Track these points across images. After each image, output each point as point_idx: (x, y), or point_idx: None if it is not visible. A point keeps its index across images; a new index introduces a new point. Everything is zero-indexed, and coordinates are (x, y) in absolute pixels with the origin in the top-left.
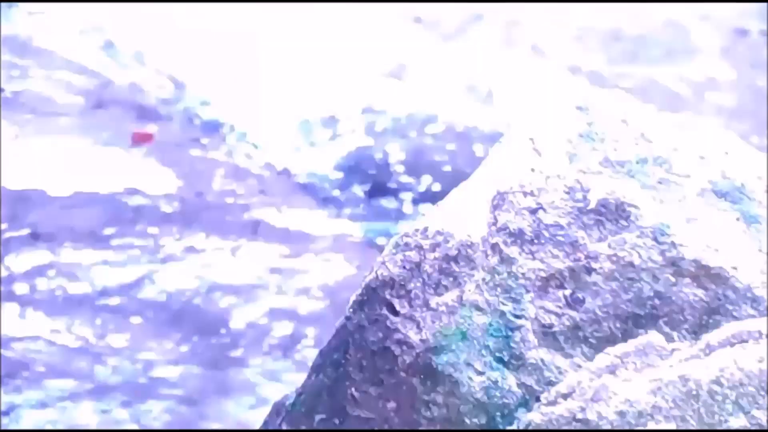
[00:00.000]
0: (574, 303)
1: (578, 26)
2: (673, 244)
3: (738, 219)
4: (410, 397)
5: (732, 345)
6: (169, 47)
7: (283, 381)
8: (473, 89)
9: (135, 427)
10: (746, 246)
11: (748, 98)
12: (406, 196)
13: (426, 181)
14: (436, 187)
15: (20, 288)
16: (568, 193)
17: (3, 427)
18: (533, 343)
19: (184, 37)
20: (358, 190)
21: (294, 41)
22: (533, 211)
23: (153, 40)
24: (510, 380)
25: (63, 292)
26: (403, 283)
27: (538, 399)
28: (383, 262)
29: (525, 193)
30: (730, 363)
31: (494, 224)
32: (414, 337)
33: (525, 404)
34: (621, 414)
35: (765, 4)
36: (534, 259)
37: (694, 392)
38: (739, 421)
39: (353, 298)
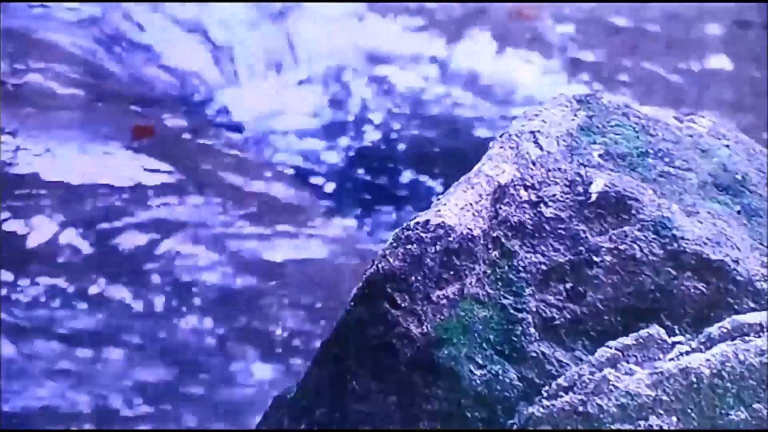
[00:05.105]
0: (575, 296)
1: (578, 19)
2: (674, 238)
3: (739, 212)
4: (411, 391)
5: (733, 338)
6: (170, 40)
7: (283, 376)
8: (474, 83)
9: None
10: (747, 239)
11: (749, 91)
12: (408, 190)
13: (427, 175)
14: (438, 181)
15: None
16: (569, 186)
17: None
18: (534, 336)
19: (184, 30)
20: (361, 182)
21: (295, 36)
22: (534, 205)
23: (154, 32)
24: (511, 374)
25: (62, 287)
26: (404, 276)
27: (539, 392)
28: (384, 256)
29: (526, 187)
30: (731, 356)
31: (495, 217)
32: (415, 330)
33: (526, 397)
34: (622, 407)
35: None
36: (535, 252)
37: (695, 385)
38: (740, 415)
39: (354, 291)
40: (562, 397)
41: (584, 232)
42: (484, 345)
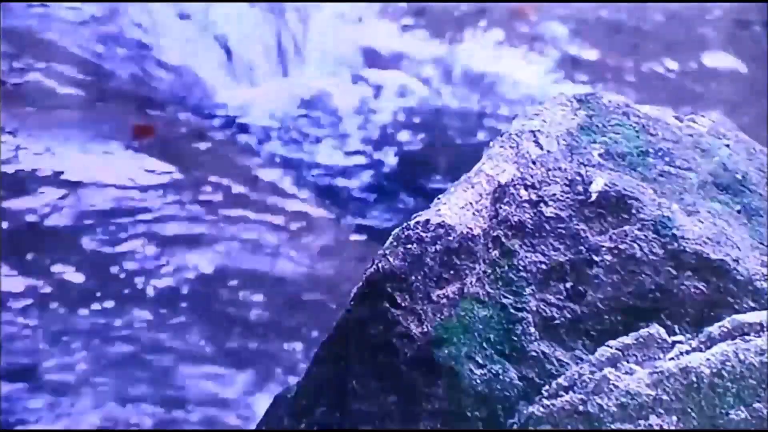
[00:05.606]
0: (575, 296)
1: (579, 19)
2: (674, 237)
3: (739, 212)
4: (411, 390)
5: (733, 338)
6: (171, 39)
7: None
8: (475, 82)
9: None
10: (747, 239)
11: (749, 91)
12: (408, 189)
13: (427, 174)
14: (438, 180)
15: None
16: (569, 185)
17: (2, 427)
18: (534, 335)
19: (185, 29)
20: (361, 182)
21: (297, 36)
22: (534, 204)
23: (154, 32)
24: (511, 373)
25: (63, 286)
26: (404, 275)
27: (539, 392)
28: (384, 255)
29: (526, 186)
30: (732, 356)
31: (495, 217)
32: (415, 329)
33: (526, 397)
34: (622, 407)
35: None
36: (535, 251)
37: (696, 385)
38: (740, 414)
39: (354, 291)
40: (562, 396)
41: (584, 231)
42: (485, 344)
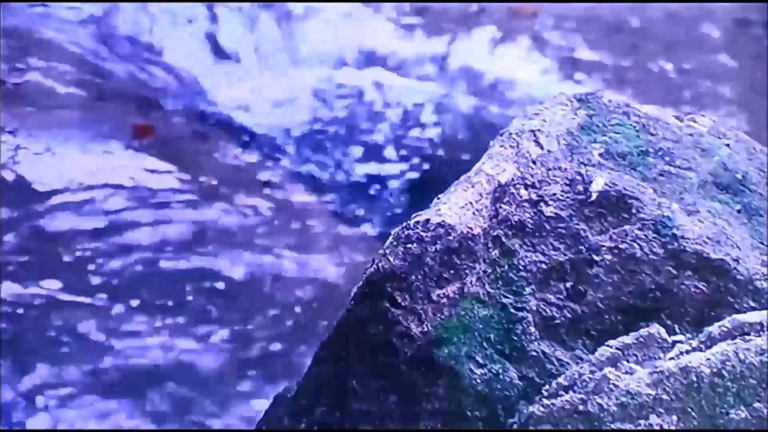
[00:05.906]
0: (575, 295)
1: (579, 18)
2: (674, 237)
3: (739, 211)
4: (411, 390)
5: (733, 337)
6: (171, 39)
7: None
8: (474, 82)
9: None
10: (747, 238)
11: (749, 90)
12: (408, 188)
13: (427, 174)
14: (438, 180)
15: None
16: (569, 185)
17: (3, 427)
18: (534, 335)
19: (185, 29)
20: (360, 181)
21: (296, 36)
22: (534, 204)
23: (155, 31)
24: (511, 372)
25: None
26: (404, 275)
27: (539, 391)
28: (384, 255)
29: (526, 186)
30: (732, 355)
31: (495, 216)
32: (415, 329)
33: (526, 397)
34: (622, 406)
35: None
36: (535, 251)
37: (696, 384)
38: (740, 414)
39: (354, 290)
40: (562, 396)
41: (584, 231)
42: (485, 344)
